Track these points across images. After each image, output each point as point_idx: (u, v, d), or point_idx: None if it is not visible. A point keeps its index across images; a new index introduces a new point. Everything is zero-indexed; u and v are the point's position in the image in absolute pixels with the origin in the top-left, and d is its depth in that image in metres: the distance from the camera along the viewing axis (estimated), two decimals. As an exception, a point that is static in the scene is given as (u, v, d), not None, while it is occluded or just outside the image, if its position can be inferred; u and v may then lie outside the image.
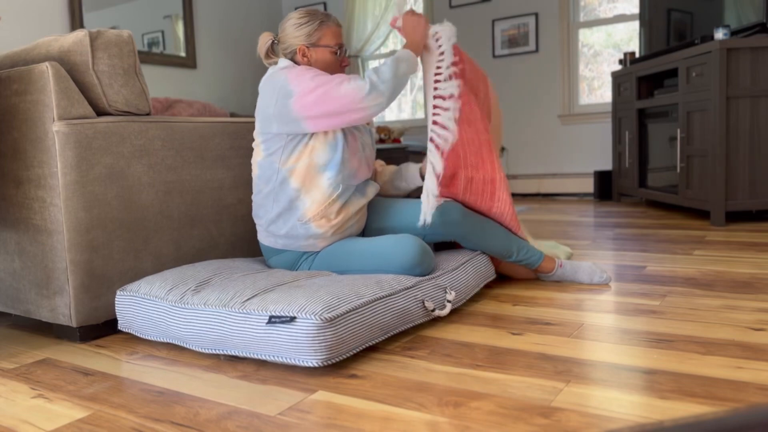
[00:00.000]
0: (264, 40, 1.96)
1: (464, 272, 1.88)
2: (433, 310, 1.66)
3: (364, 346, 1.46)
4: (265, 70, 6.06)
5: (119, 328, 1.74)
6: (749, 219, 3.33)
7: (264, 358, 1.43)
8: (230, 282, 1.64)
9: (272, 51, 1.97)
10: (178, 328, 1.56)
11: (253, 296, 1.51)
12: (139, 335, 1.68)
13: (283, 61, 1.89)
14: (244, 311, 1.46)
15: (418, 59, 1.94)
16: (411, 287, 1.64)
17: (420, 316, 1.63)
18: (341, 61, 1.93)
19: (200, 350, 1.54)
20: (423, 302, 1.64)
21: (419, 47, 1.94)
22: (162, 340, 1.63)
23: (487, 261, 2.03)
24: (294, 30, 1.87)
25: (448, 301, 1.72)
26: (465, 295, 1.83)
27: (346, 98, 1.72)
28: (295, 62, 1.90)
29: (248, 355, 1.46)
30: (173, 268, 1.82)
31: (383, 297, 1.53)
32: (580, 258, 2.50)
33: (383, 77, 1.77)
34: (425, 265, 1.74)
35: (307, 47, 1.87)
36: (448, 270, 1.83)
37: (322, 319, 1.36)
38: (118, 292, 1.73)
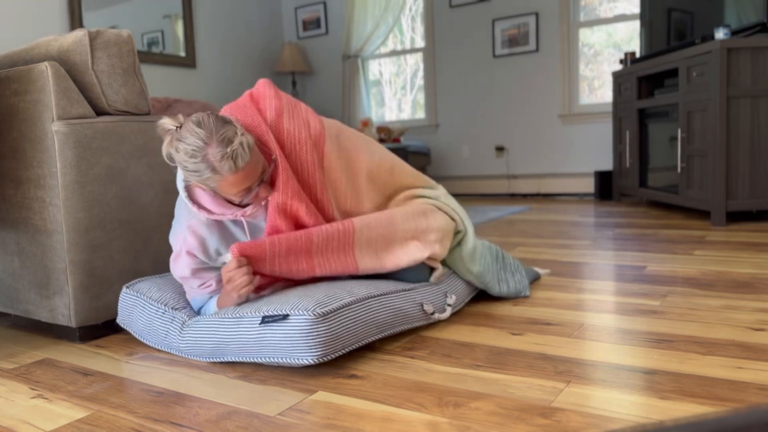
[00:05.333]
0: (167, 139, 1.45)
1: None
2: (432, 314, 1.65)
3: (360, 344, 1.45)
4: (265, 67, 6.06)
5: (117, 322, 1.73)
6: (750, 219, 3.32)
7: (260, 360, 1.42)
8: None
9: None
10: (175, 339, 1.56)
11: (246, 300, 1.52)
12: (135, 336, 1.68)
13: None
14: (237, 315, 1.45)
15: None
16: (408, 290, 1.64)
17: (418, 318, 1.62)
18: (255, 197, 1.48)
19: (197, 359, 1.54)
20: (422, 305, 1.64)
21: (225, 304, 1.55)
22: (157, 347, 1.63)
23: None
24: (183, 166, 1.41)
25: (449, 305, 1.72)
26: (464, 298, 1.82)
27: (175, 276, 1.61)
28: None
29: (244, 360, 1.45)
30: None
31: (378, 295, 1.53)
32: (580, 259, 2.50)
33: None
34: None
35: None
36: (448, 275, 1.83)
37: (315, 315, 1.35)
38: (124, 288, 1.72)
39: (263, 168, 1.47)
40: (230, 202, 1.53)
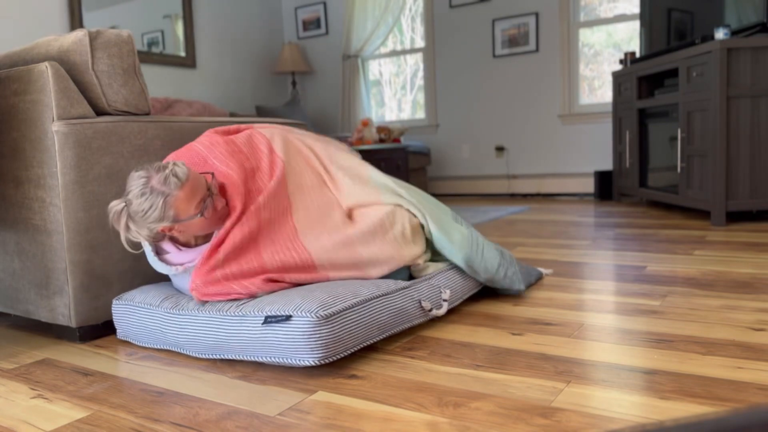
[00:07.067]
0: (117, 211, 1.50)
1: (459, 271, 1.87)
2: (430, 310, 1.66)
3: (362, 345, 1.45)
4: (265, 67, 6.06)
5: (118, 336, 1.73)
6: (750, 219, 3.32)
7: (261, 360, 1.42)
8: None
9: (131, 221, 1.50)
10: (174, 334, 1.56)
11: (249, 300, 1.51)
12: (136, 343, 1.68)
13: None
14: (240, 314, 1.45)
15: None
16: (407, 287, 1.64)
17: (417, 316, 1.63)
18: (213, 210, 1.56)
19: (197, 355, 1.54)
20: (420, 302, 1.64)
21: None
22: (158, 347, 1.63)
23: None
24: (143, 220, 1.48)
25: (444, 300, 1.72)
26: (461, 294, 1.83)
27: None
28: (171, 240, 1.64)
29: (245, 359, 1.45)
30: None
31: (379, 296, 1.53)
32: (580, 259, 2.50)
33: None
34: None
35: (170, 227, 1.53)
36: (442, 270, 1.83)
37: (317, 317, 1.35)
38: (114, 302, 1.72)
39: (206, 182, 1.58)
40: (188, 245, 1.65)
